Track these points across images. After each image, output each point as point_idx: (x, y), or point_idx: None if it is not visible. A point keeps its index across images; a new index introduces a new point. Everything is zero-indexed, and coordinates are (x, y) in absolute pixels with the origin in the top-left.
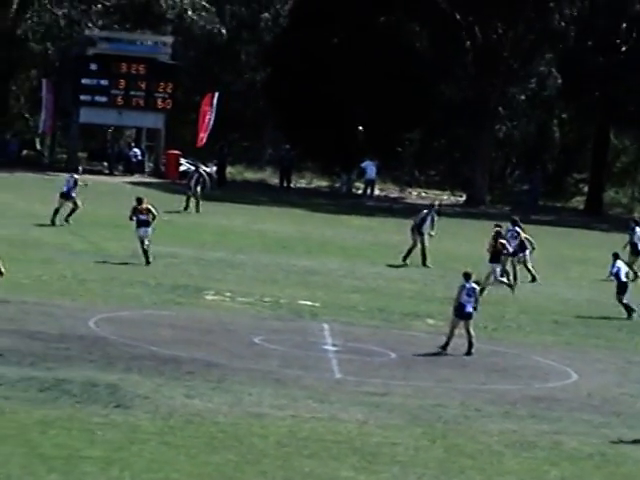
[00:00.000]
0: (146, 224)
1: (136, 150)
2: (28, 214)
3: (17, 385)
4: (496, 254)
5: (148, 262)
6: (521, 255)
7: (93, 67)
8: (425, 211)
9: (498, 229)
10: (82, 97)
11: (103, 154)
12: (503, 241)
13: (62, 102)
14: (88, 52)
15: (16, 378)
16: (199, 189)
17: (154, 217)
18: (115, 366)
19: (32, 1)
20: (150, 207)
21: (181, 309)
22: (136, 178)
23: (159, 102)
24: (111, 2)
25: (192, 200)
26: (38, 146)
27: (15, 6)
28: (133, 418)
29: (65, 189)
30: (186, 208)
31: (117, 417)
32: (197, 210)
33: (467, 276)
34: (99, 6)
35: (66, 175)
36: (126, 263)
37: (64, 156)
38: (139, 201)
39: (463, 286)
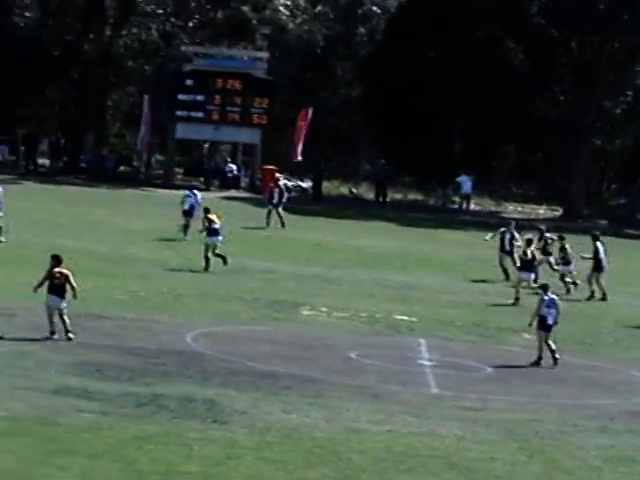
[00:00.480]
0: (217, 233)
1: (232, 165)
2: (124, 230)
3: (115, 400)
4: (527, 263)
5: (207, 269)
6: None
7: (189, 83)
8: (502, 229)
9: (529, 238)
10: (178, 113)
11: (199, 169)
12: (533, 249)
13: (158, 118)
14: (184, 68)
15: (114, 393)
16: (280, 204)
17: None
18: (212, 381)
19: (128, 18)
20: (218, 217)
21: (278, 324)
22: (232, 193)
23: (255, 117)
24: (206, 17)
25: (275, 215)
26: (135, 162)
27: (111, 23)
28: (230, 433)
29: (187, 207)
30: (267, 224)
31: (214, 432)
32: (282, 225)
33: (545, 288)
34: (194, 22)
35: (185, 192)
36: (223, 279)
37: (160, 172)
38: (207, 210)
39: (542, 298)
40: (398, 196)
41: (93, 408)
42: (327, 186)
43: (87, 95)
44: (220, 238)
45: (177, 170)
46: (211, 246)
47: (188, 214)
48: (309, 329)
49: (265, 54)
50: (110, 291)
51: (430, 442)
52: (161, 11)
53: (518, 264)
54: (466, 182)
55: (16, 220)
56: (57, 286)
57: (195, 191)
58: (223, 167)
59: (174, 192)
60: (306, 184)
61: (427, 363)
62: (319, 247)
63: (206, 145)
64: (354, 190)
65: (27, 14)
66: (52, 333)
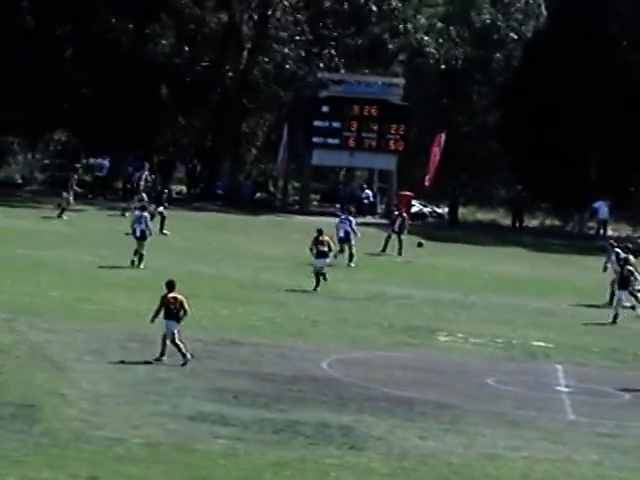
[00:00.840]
0: (325, 255)
1: (368, 192)
2: (260, 256)
3: (251, 427)
4: (624, 280)
5: (316, 288)
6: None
7: (325, 109)
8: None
9: (626, 256)
10: (314, 139)
11: (335, 196)
12: (631, 268)
13: (294, 144)
14: (320, 94)
15: (250, 420)
16: (402, 232)
17: (331, 249)
18: (348, 407)
19: (264, 44)
20: (329, 240)
21: (414, 350)
22: (368, 219)
23: (391, 143)
24: (342, 44)
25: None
26: (271, 188)
27: (247, 49)
28: (366, 459)
29: (342, 233)
30: (384, 249)
31: (351, 458)
32: (399, 253)
33: None
34: (330, 48)
35: (341, 216)
36: (359, 304)
37: (296, 198)
38: (320, 232)
39: None
40: (535, 222)
41: (229, 434)
42: (463, 212)
43: (223, 122)
44: (327, 261)
45: (313, 197)
46: (318, 268)
47: (343, 240)
48: (445, 355)
49: (401, 80)
50: (246, 317)
51: (567, 468)
52: (297, 37)
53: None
54: (603, 207)
55: (154, 246)
56: (173, 311)
57: (350, 217)
58: (359, 193)
59: (310, 219)
60: (442, 210)
61: (564, 389)
62: (455, 272)
63: (342, 171)
64: (422, 242)
65: (163, 42)
66: (162, 355)
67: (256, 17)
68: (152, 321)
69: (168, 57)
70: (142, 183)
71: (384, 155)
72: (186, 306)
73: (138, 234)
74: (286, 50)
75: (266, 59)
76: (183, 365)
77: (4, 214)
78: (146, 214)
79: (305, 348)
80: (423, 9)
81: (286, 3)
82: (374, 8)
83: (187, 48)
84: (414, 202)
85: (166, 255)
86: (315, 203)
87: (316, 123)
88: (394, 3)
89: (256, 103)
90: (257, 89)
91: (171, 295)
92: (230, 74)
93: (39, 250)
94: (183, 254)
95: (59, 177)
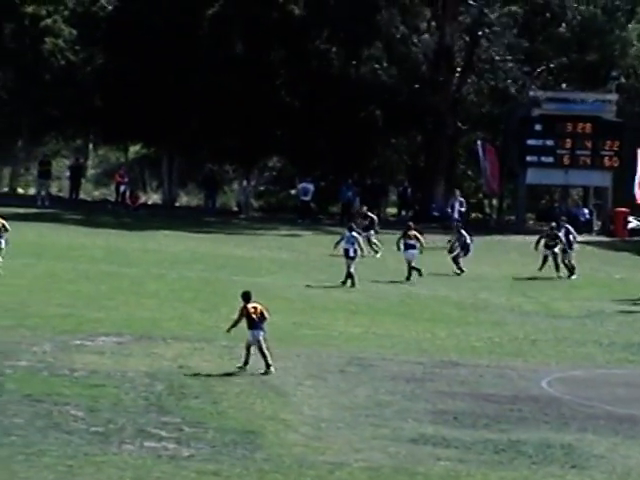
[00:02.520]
0: (412, 247)
1: (584, 209)
2: (477, 276)
3: (472, 448)
4: None
5: (409, 278)
6: None
7: (538, 128)
8: None
9: None
10: (528, 158)
11: (551, 214)
12: None
13: (509, 163)
14: (533, 113)
15: (471, 440)
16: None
17: (421, 244)
18: (570, 426)
19: (476, 64)
20: (417, 234)
21: (635, 367)
22: (584, 237)
23: (606, 160)
24: (556, 63)
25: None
26: (486, 209)
27: (458, 70)
28: (589, 478)
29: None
30: (540, 269)
31: (573, 477)
32: (557, 269)
33: None
34: (542, 67)
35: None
36: (578, 322)
37: (512, 217)
38: (408, 227)
39: None
40: None
41: (450, 456)
42: None
43: (437, 143)
44: (415, 252)
45: (529, 216)
46: (410, 258)
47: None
48: None
49: (614, 96)
50: (465, 338)
51: None
52: (509, 57)
53: None
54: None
55: (366, 268)
56: (255, 321)
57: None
58: (575, 211)
59: (527, 238)
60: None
61: None
62: None
63: (557, 190)
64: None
65: (375, 65)
66: (246, 364)
67: (467, 38)
68: (228, 331)
69: (380, 80)
70: (456, 212)
71: (599, 172)
72: (266, 314)
73: (351, 254)
74: (498, 69)
75: (478, 79)
76: (264, 374)
77: (222, 241)
78: (354, 234)
79: (524, 367)
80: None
81: (496, 22)
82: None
83: (398, 71)
84: (630, 218)
85: (381, 275)
86: (531, 222)
87: (529, 142)
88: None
89: (469, 123)
90: (469, 110)
91: (250, 305)
92: (442, 95)
93: (256, 277)
94: (401, 275)
95: (274, 204)
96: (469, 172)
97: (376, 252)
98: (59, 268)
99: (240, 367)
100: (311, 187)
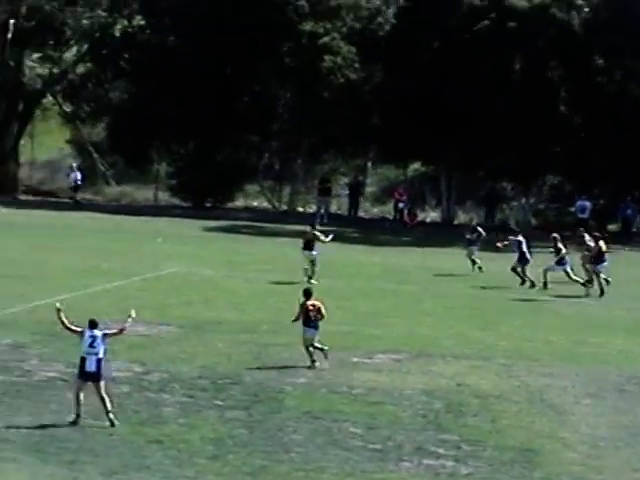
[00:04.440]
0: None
1: None
2: None
3: None
4: None
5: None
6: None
7: None
8: None
9: None
10: None
11: None
12: None
13: None
14: None
15: None
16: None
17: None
18: None
19: None
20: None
21: None
22: None
23: None
24: None
25: None
26: None
27: None
28: None
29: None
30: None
31: None
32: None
33: None
34: None
35: None
36: None
37: None
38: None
39: None
40: None
41: None
42: None
43: None
44: (474, 247)
45: None
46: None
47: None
48: None
49: None
50: None
51: None
52: None
53: None
54: None
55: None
56: (311, 318)
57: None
58: None
59: None
60: None
61: None
62: None
63: None
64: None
65: None
66: (313, 362)
67: None
68: (294, 321)
69: None
70: None
71: None
72: (323, 311)
73: None
74: None
75: None
76: (309, 368)
77: (501, 259)
78: None
79: None
80: None
81: None
82: None
83: None
84: None
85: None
86: None
87: None
88: None
89: None
90: None
91: (310, 302)
92: None
93: (534, 296)
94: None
95: (552, 222)
96: None
97: None
98: (334, 285)
99: (309, 367)
100: (588, 204)
